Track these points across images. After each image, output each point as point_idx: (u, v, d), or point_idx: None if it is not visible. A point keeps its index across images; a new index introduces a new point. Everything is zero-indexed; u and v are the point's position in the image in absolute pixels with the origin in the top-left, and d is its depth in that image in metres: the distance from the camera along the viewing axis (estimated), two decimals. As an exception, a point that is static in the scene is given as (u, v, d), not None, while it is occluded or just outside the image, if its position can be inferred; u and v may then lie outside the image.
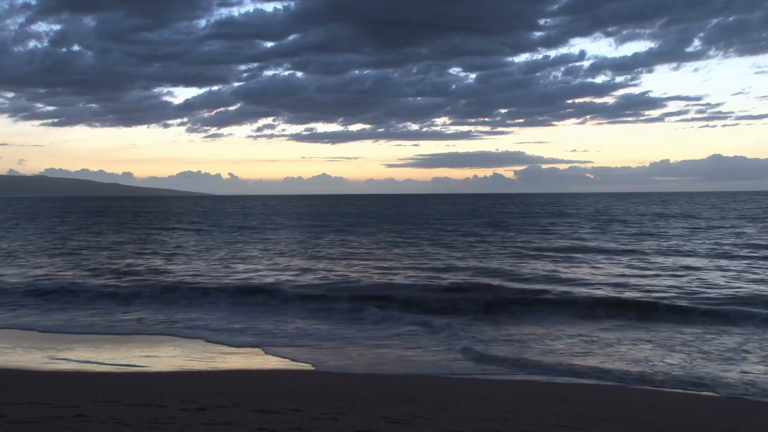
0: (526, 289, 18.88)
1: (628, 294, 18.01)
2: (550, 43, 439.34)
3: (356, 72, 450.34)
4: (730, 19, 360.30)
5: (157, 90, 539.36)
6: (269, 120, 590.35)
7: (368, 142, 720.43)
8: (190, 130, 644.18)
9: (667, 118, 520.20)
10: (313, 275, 22.58)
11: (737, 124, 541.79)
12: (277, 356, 12.19)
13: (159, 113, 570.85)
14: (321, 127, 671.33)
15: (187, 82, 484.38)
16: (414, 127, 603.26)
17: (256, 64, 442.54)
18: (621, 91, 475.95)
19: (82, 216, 78.56)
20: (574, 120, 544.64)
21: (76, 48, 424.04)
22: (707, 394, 9.55)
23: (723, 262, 25.18)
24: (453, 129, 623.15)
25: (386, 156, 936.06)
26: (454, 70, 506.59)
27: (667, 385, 10.01)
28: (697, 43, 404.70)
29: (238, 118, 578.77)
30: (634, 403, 8.99)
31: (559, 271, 22.89)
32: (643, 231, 43.61)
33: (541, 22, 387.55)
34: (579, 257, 27.73)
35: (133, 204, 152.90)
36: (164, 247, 34.74)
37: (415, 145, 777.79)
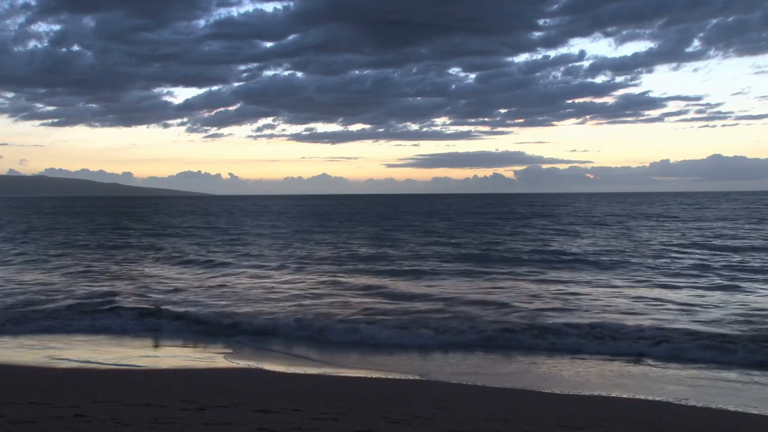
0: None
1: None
2: (550, 43, 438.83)
3: (356, 72, 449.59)
4: (730, 19, 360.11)
5: (157, 90, 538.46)
6: (269, 120, 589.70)
7: (368, 142, 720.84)
8: (190, 130, 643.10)
9: (667, 118, 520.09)
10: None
11: (737, 124, 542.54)
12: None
13: (159, 113, 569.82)
14: (321, 127, 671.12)
15: (187, 82, 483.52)
16: (414, 127, 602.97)
17: (255, 64, 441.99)
18: (621, 91, 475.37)
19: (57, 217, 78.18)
20: (574, 120, 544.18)
21: (76, 48, 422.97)
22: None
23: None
24: (453, 129, 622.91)
25: (386, 156, 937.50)
26: (454, 70, 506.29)
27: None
28: (696, 43, 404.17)
29: (238, 118, 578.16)
30: (634, 403, 9.00)
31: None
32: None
33: (541, 22, 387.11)
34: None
35: (109, 204, 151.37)
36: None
37: (415, 145, 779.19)
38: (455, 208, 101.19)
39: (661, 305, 16.45)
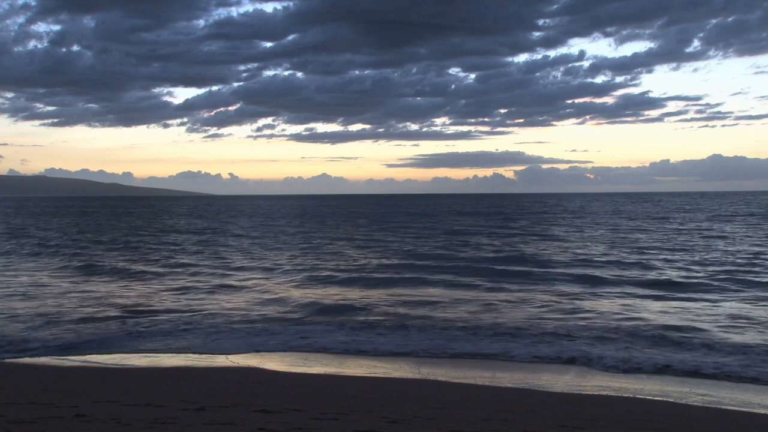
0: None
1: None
2: (549, 43, 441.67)
3: (356, 72, 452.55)
4: (730, 19, 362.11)
5: (156, 90, 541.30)
6: (269, 120, 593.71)
7: (368, 142, 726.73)
8: (190, 130, 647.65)
9: (666, 118, 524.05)
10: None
11: (737, 124, 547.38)
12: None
13: (159, 113, 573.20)
14: (321, 127, 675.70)
15: (187, 82, 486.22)
16: (414, 127, 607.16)
17: (255, 64, 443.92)
18: (620, 91, 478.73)
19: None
20: (573, 120, 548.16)
21: (75, 48, 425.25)
22: (707, 398, 9.54)
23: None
24: (453, 129, 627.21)
25: (386, 156, 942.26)
26: (454, 70, 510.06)
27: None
28: (696, 43, 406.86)
29: (238, 118, 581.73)
30: (634, 402, 8.99)
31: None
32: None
33: (540, 22, 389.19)
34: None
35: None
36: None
37: (414, 145, 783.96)
38: (452, 209, 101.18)
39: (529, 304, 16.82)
